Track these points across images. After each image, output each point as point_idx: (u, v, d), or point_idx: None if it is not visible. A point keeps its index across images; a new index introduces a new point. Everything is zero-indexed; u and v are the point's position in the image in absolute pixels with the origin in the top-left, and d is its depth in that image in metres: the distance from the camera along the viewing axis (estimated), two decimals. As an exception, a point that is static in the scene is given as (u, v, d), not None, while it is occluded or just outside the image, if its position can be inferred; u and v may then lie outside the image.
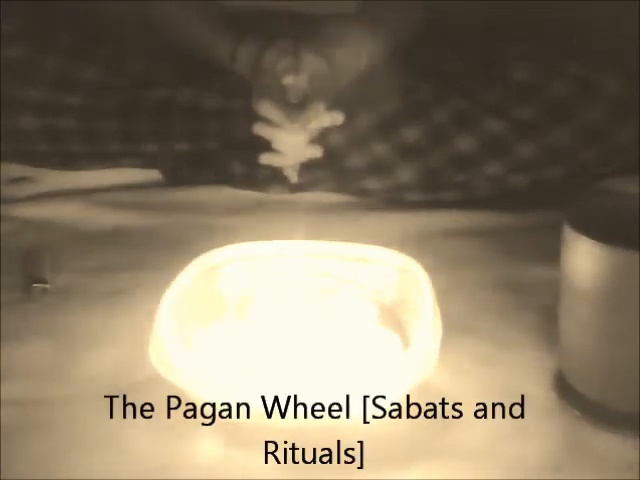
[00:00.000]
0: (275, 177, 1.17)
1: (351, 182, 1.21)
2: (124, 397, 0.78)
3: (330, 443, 0.72)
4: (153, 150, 1.22)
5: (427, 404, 0.77)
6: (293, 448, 0.72)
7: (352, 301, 0.85)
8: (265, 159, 1.12)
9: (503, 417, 0.76)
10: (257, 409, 0.71)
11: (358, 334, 0.81)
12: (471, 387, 0.80)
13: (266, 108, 1.09)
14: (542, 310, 0.89)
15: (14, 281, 0.99)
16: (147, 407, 0.77)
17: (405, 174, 1.18)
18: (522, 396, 0.78)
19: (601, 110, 1.14)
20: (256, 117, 1.11)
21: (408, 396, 0.75)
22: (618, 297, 0.71)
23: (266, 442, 0.72)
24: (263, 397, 0.70)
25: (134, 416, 0.76)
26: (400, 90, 1.20)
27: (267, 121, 1.09)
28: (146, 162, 1.24)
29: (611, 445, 0.73)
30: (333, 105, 1.10)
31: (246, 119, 1.14)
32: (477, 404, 0.77)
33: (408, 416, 0.75)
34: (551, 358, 0.82)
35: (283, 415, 0.71)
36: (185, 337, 0.79)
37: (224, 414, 0.73)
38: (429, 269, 0.83)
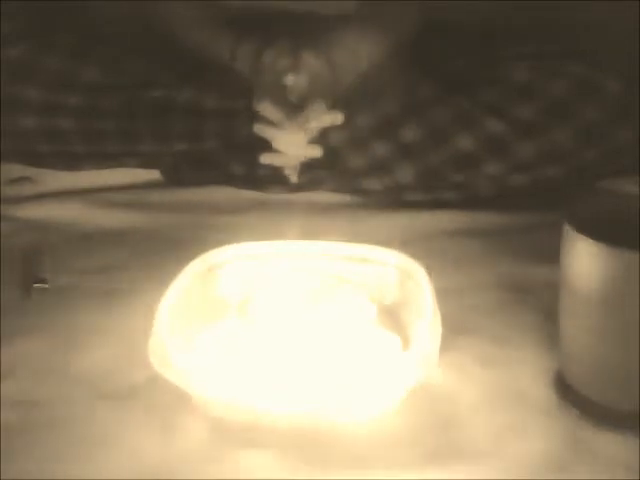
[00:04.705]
0: (275, 177, 1.17)
1: (351, 182, 1.21)
2: (124, 397, 0.78)
3: (330, 443, 0.72)
4: (153, 150, 1.22)
5: (427, 404, 0.77)
6: (293, 448, 0.72)
7: (352, 301, 0.85)
8: (265, 159, 1.12)
9: (503, 417, 0.76)
10: (257, 409, 0.71)
11: (358, 334, 0.81)
12: (471, 387, 0.80)
13: (266, 108, 1.09)
14: (542, 310, 0.89)
15: (14, 281, 0.99)
16: (147, 407, 0.77)
17: (405, 174, 1.18)
18: (522, 396, 0.78)
19: (601, 110, 1.14)
20: (256, 117, 1.11)
21: (408, 396, 0.75)
22: (618, 297, 0.71)
23: (266, 442, 0.72)
24: (263, 397, 0.70)
25: (134, 416, 0.76)
26: (400, 90, 1.20)
27: (267, 121, 1.09)
28: (146, 162, 1.24)
29: (611, 445, 0.73)
30: (333, 105, 1.10)
31: (246, 119, 1.14)
32: (477, 404, 0.77)
33: (408, 416, 0.75)
34: (551, 358, 0.82)
35: (283, 415, 0.71)
36: (185, 337, 0.79)
37: (224, 414, 0.73)
38: (429, 269, 0.83)
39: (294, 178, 1.14)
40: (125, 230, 1.12)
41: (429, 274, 0.82)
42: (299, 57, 1.11)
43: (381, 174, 1.18)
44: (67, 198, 1.20)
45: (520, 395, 0.78)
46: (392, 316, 0.85)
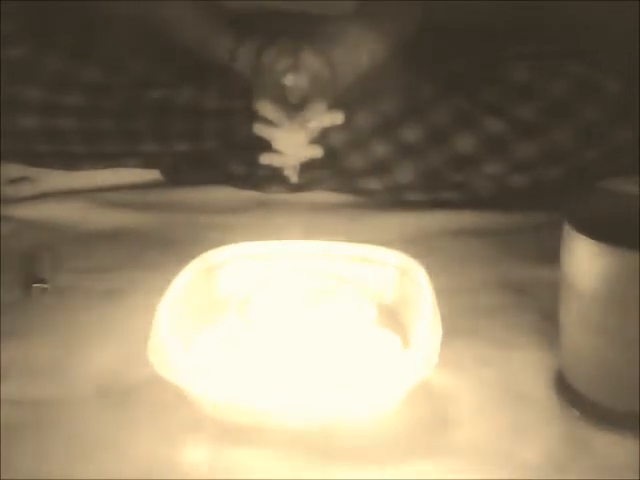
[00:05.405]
0: (275, 177, 1.17)
1: (351, 182, 1.20)
2: (124, 397, 0.78)
3: (330, 443, 0.72)
4: (153, 150, 1.22)
5: (427, 404, 0.76)
6: (293, 448, 0.72)
7: (352, 301, 0.85)
8: (265, 159, 1.12)
9: (503, 417, 0.76)
10: (257, 409, 0.71)
11: (358, 334, 0.81)
12: (471, 387, 0.80)
13: (266, 108, 1.09)
14: (542, 310, 0.89)
15: (14, 281, 0.99)
16: (147, 407, 0.77)
17: (405, 174, 1.18)
18: (522, 396, 0.78)
19: (601, 110, 1.14)
20: (256, 117, 1.11)
21: (408, 396, 0.75)
22: (618, 297, 0.71)
23: (266, 442, 0.72)
24: (263, 397, 0.70)
25: (134, 416, 0.76)
26: (400, 90, 1.20)
27: (267, 121, 1.09)
28: (146, 162, 1.24)
29: (611, 445, 0.73)
30: (333, 105, 1.10)
31: (246, 119, 1.14)
32: (477, 404, 0.77)
33: (408, 416, 0.75)
34: (551, 358, 0.82)
35: (283, 415, 0.71)
36: (185, 337, 0.79)
37: (224, 414, 0.73)
38: (429, 269, 0.83)
39: (294, 178, 1.14)
40: (125, 230, 1.12)
41: (429, 274, 0.82)
42: (299, 57, 1.11)
43: (381, 174, 1.18)
44: (67, 198, 1.20)
45: (520, 395, 0.78)
46: (392, 316, 0.85)
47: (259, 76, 1.14)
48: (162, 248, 1.05)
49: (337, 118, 1.10)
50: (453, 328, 0.79)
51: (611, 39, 1.30)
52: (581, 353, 0.76)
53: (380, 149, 1.18)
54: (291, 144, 1.10)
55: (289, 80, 1.10)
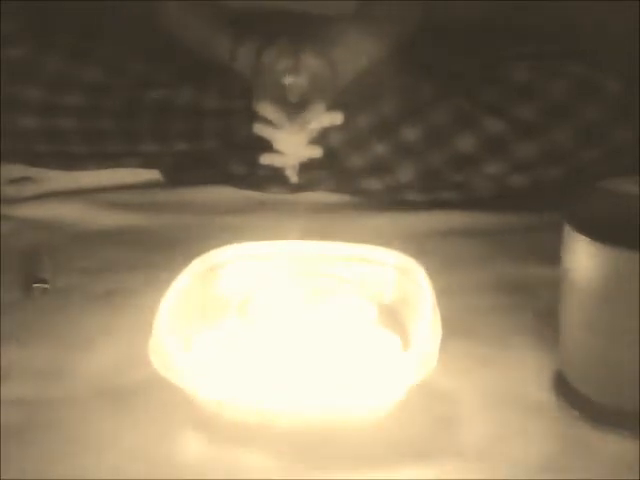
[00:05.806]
0: (275, 177, 1.17)
1: (351, 182, 1.21)
2: (124, 397, 0.78)
3: (330, 443, 0.72)
4: (153, 150, 1.22)
5: (427, 404, 0.77)
6: (293, 448, 0.72)
7: (351, 301, 0.85)
8: (265, 159, 1.12)
9: (503, 417, 0.76)
10: (257, 409, 0.71)
11: (358, 334, 0.81)
12: (471, 387, 0.80)
13: (266, 108, 1.09)
14: (542, 310, 0.89)
15: (14, 281, 0.99)
16: (147, 407, 0.77)
17: (405, 174, 1.18)
18: (521, 396, 0.78)
19: (601, 110, 1.14)
20: (256, 117, 1.11)
21: (408, 396, 0.75)
22: (618, 297, 0.71)
23: (266, 442, 0.72)
24: (263, 397, 0.70)
25: (134, 416, 0.76)
26: (400, 90, 1.20)
27: (267, 121, 1.09)
28: (146, 162, 1.24)
29: (611, 445, 0.73)
30: (333, 105, 1.10)
31: (246, 119, 1.14)
32: (476, 404, 0.77)
33: (408, 416, 0.75)
34: (551, 358, 0.82)
35: (283, 415, 0.71)
36: (185, 337, 0.79)
37: (224, 414, 0.73)
38: (429, 269, 0.83)
39: (294, 178, 1.14)
40: (125, 230, 1.12)
41: (429, 274, 0.82)
42: (299, 57, 1.11)
43: (381, 174, 1.18)
44: (67, 198, 1.20)
45: (519, 395, 0.78)
46: (392, 316, 0.85)
47: (259, 76, 1.14)
48: (162, 248, 1.05)
49: (336, 118, 1.10)
50: (453, 328, 0.79)
51: (611, 39, 1.30)
52: (581, 353, 0.76)
53: (380, 149, 1.18)
54: (291, 144, 1.10)
55: (289, 80, 1.10)
